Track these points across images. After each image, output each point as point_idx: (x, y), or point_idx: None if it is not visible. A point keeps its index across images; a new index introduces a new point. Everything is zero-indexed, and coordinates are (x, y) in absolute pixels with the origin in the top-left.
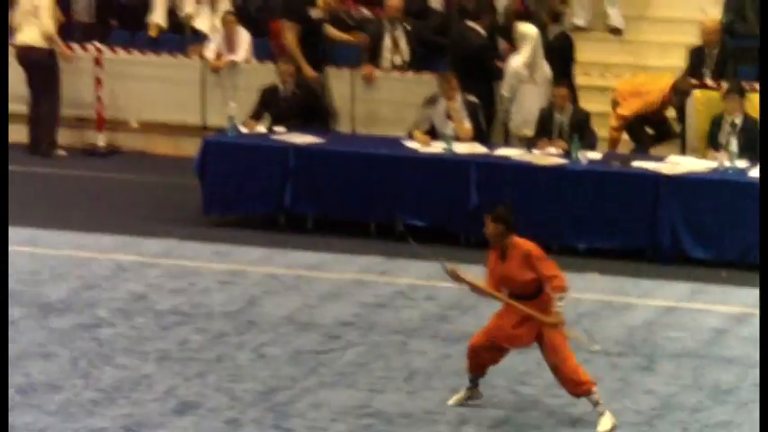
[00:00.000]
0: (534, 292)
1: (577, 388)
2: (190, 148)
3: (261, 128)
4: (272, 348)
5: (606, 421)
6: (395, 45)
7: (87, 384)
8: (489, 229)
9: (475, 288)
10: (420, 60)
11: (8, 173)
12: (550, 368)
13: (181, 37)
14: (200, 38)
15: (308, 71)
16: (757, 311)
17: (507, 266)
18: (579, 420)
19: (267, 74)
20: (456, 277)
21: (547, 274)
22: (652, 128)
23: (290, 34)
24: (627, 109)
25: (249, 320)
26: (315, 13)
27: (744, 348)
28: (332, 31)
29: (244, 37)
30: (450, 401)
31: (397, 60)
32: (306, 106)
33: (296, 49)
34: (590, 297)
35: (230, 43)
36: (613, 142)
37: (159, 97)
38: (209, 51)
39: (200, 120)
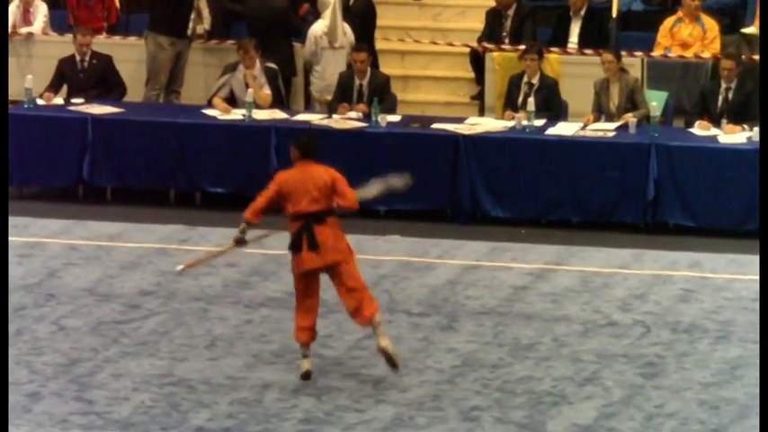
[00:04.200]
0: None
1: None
2: None
3: (58, 99)
4: (73, 320)
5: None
6: (198, 14)
7: None
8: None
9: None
10: (222, 28)
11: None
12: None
13: None
14: None
15: None
16: (557, 267)
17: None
18: (381, 381)
19: (64, 46)
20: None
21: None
22: None
23: None
24: None
25: (49, 293)
26: None
27: (543, 304)
28: None
29: (40, 9)
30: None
31: (200, 29)
32: (103, 77)
33: None
34: (391, 258)
35: (26, 15)
36: None
37: None
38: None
39: None
